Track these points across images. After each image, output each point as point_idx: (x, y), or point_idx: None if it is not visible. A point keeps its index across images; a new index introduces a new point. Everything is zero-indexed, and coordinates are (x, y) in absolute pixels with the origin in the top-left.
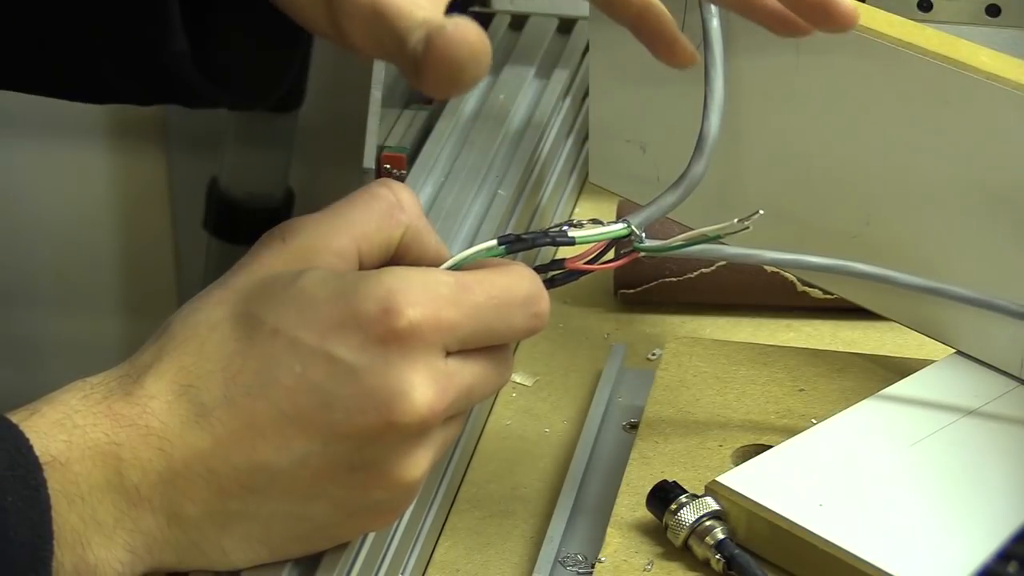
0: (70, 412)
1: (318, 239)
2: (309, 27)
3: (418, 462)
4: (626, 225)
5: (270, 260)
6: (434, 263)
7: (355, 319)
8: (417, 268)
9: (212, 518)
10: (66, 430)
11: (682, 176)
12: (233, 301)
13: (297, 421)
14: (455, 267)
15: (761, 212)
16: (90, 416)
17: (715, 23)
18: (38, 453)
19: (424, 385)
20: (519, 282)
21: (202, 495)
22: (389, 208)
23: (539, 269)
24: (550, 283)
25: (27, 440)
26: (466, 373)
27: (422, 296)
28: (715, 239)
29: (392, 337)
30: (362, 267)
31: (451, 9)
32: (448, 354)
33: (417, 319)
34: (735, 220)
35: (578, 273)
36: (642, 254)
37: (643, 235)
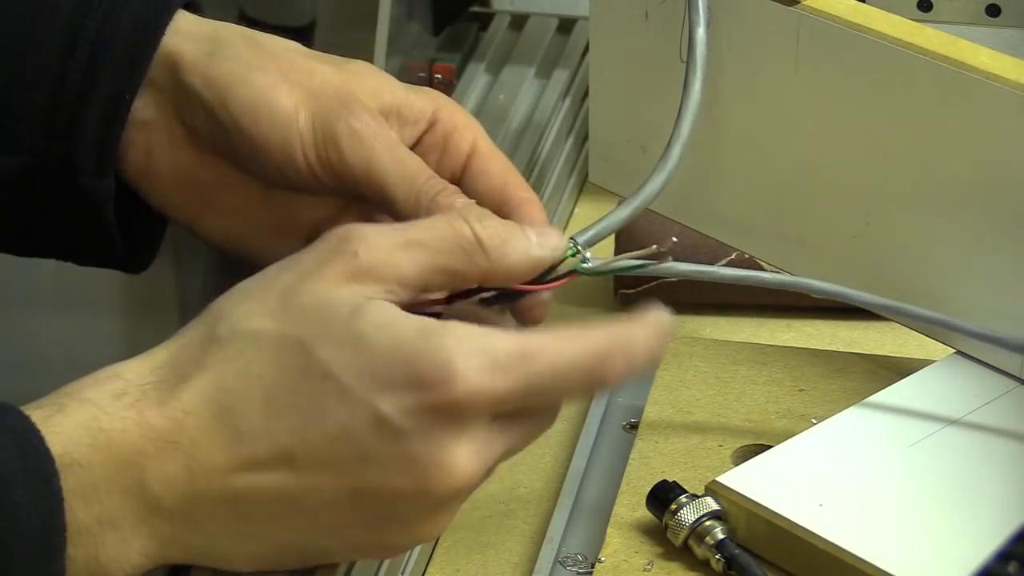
0: (97, 414)
1: (389, 265)
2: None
3: (441, 522)
4: (572, 244)
5: (335, 273)
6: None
7: (409, 380)
8: (480, 330)
9: (229, 535)
10: (91, 434)
11: (638, 190)
12: (287, 319)
13: (332, 466)
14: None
15: (660, 248)
16: (118, 421)
17: (700, 31)
18: (58, 453)
19: (466, 458)
20: (587, 353)
21: (224, 516)
22: (471, 248)
23: (482, 289)
24: (491, 301)
25: (39, 432)
26: (509, 435)
27: (481, 367)
28: (638, 267)
29: (443, 407)
30: (424, 294)
31: (450, 9)
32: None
33: (471, 392)
34: (653, 247)
35: (518, 293)
36: (581, 275)
37: (588, 254)
